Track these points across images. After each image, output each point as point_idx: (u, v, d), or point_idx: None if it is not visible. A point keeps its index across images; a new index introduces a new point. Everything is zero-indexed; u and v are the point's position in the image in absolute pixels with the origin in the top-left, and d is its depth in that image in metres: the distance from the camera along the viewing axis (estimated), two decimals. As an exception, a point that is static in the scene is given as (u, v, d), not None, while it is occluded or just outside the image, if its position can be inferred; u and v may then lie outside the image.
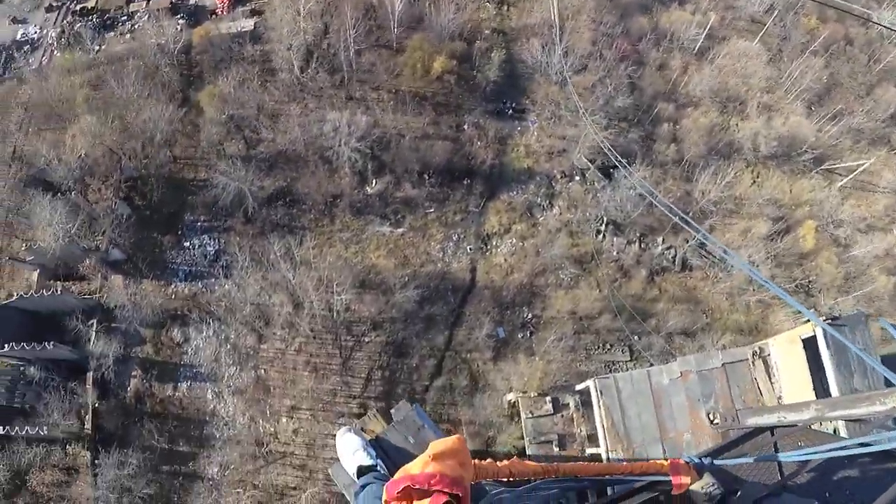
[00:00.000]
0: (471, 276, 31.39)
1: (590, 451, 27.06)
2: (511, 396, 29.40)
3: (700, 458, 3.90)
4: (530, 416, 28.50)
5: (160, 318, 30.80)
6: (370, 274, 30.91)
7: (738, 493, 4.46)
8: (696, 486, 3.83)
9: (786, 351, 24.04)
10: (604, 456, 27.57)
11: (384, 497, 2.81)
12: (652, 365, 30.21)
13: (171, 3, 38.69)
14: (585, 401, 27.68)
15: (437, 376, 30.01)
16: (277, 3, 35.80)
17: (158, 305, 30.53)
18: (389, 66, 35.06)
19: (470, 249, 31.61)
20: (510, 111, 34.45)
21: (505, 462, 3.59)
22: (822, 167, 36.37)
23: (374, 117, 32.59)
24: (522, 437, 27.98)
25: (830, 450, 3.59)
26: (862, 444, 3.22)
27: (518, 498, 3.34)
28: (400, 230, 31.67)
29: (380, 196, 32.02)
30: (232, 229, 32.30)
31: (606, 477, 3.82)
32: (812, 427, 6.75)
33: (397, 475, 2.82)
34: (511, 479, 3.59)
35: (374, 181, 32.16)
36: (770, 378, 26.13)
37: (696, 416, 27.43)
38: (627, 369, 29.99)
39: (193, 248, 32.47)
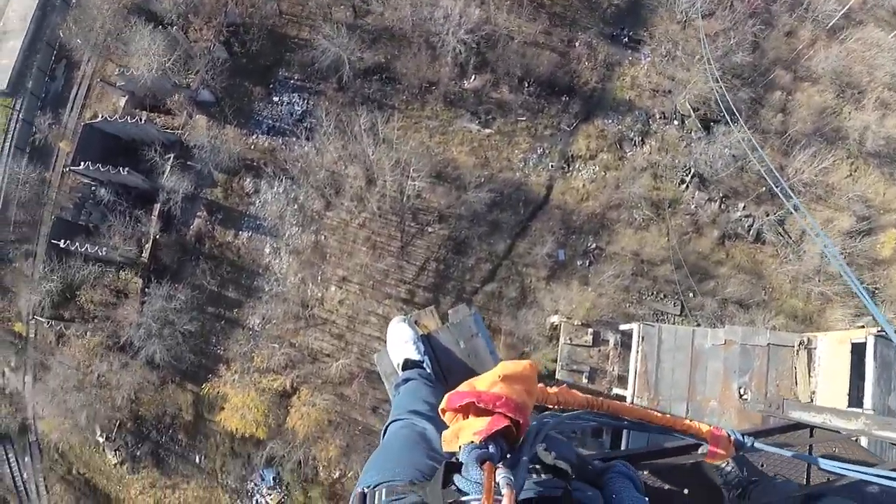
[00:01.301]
0: (546, 192, 31.09)
1: (616, 391, 27.23)
2: (555, 319, 29.52)
3: (743, 436, 3.68)
4: (569, 342, 28.63)
5: (235, 166, 31.31)
6: (448, 167, 30.81)
7: (757, 483, 4.31)
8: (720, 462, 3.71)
9: (833, 350, 23.63)
10: (629, 400, 27.74)
11: (443, 405, 2.73)
12: (699, 325, 30.03)
13: None
14: (626, 342, 27.68)
15: (490, 282, 30.18)
16: None
17: (236, 153, 30.94)
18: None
19: (552, 166, 31.20)
20: (625, 38, 33.32)
21: (554, 389, 3.54)
22: (923, 180, 34.81)
23: (487, 13, 31.81)
24: (556, 361, 28.24)
25: (880, 476, 3.38)
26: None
27: (560, 423, 3.21)
28: (487, 131, 31.35)
29: (475, 93, 31.58)
30: (323, 94, 32.29)
31: (647, 423, 3.66)
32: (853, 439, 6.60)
33: (462, 387, 2.71)
34: (557, 406, 3.53)
35: (473, 76, 31.67)
36: (810, 371, 25.78)
37: (727, 386, 27.32)
38: (675, 323, 29.81)
39: (281, 105, 32.64)
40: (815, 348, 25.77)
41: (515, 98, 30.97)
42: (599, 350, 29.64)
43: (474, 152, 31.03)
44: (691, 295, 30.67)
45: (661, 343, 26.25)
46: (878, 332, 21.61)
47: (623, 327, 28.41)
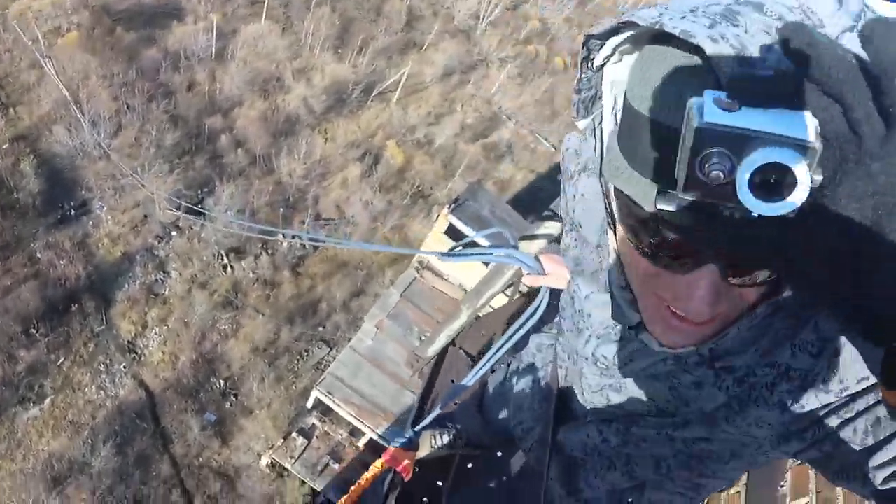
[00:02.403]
0: (144, 390, 28.90)
1: (361, 442, 27.62)
2: (265, 460, 28.47)
3: (406, 437, 3.52)
4: (293, 460, 28.09)
5: None
6: (53, 465, 27.22)
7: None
8: (424, 453, 3.52)
9: (438, 245, 26.12)
10: (370, 435, 28.46)
11: None
12: (350, 339, 31.54)
13: None
14: (325, 409, 27.94)
15: (192, 501, 28.02)
16: None
17: None
18: (-82, 243, 30.00)
19: (124, 368, 29.13)
20: (72, 212, 31.66)
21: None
22: (375, 94, 39.64)
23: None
24: (303, 483, 27.54)
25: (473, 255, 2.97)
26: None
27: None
28: (47, 401, 28.10)
29: (3, 382, 27.93)
30: None
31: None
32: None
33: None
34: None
35: (-22, 371, 28.03)
36: (443, 278, 28.76)
37: (411, 352, 29.50)
38: (334, 359, 30.86)
39: None
40: (428, 262, 28.23)
41: (38, 351, 27.67)
42: (317, 437, 28.98)
43: (58, 428, 27.18)
44: (322, 329, 31.73)
45: (342, 381, 27.00)
46: (451, 208, 24.41)
47: (310, 404, 27.84)
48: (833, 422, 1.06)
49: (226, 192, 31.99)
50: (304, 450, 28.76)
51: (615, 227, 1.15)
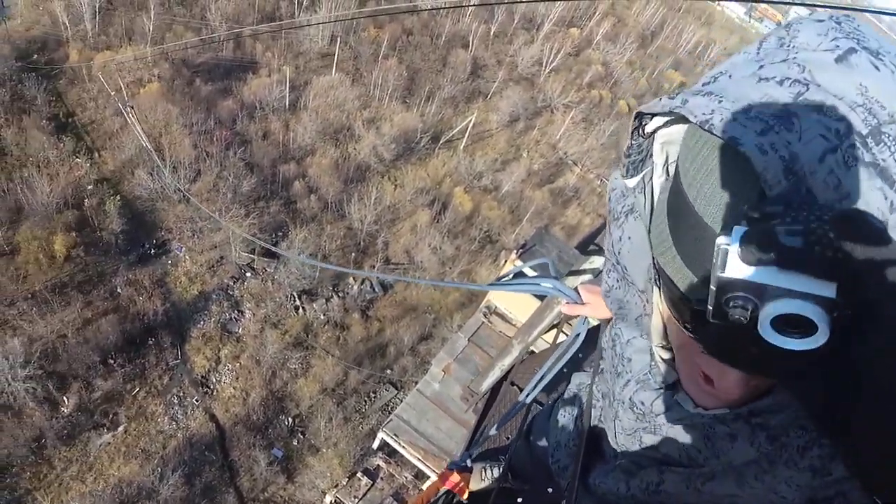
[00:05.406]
0: (214, 423, 29.35)
1: (426, 485, 27.11)
2: (329, 498, 28.26)
3: (461, 459, 3.66)
4: (356, 499, 27.80)
5: None
6: (122, 489, 27.57)
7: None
8: (476, 486, 3.55)
9: (504, 294, 26.07)
10: (434, 477, 27.86)
11: None
12: (417, 382, 31.34)
13: None
14: (391, 451, 27.69)
15: None
16: None
17: None
18: (11, 273, 30.93)
19: (196, 401, 29.69)
20: (152, 251, 32.95)
21: None
22: (442, 142, 40.45)
23: (25, 334, 29.05)
24: None
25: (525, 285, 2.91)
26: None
27: None
28: (121, 428, 28.75)
29: (79, 408, 28.74)
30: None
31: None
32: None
33: None
34: None
35: (65, 399, 28.80)
36: (510, 322, 28.53)
37: (466, 387, 29.06)
38: (401, 401, 30.65)
39: None
40: (496, 307, 28.16)
41: (115, 381, 28.52)
42: (381, 478, 28.42)
43: (130, 455, 27.74)
44: (390, 371, 31.69)
45: (409, 423, 26.53)
46: (518, 253, 24.44)
47: (375, 445, 27.54)
48: (858, 497, 1.03)
49: (299, 236, 32.75)
50: (368, 490, 28.18)
51: (660, 285, 1.14)
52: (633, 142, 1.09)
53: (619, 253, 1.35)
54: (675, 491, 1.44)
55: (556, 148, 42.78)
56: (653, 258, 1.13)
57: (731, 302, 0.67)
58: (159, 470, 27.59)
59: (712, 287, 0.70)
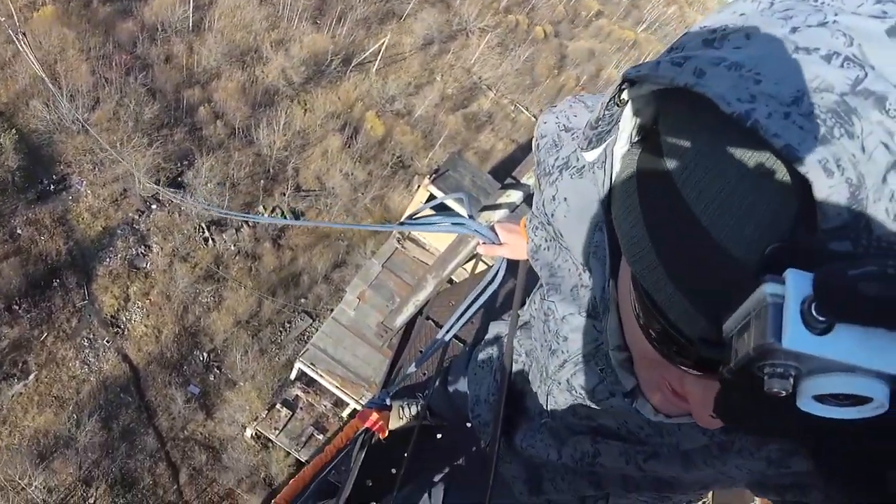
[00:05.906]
0: (127, 364, 28.89)
1: (345, 412, 27.55)
2: (249, 431, 28.57)
3: (379, 397, 3.49)
4: (277, 431, 27.88)
5: None
6: (39, 440, 27.31)
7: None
8: (395, 424, 3.45)
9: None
10: (354, 405, 28.43)
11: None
12: (332, 311, 31.63)
13: None
14: (309, 381, 27.91)
15: (177, 473, 28.28)
16: None
17: None
18: None
19: (107, 342, 29.22)
20: (52, 187, 31.50)
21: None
22: (354, 64, 39.42)
23: None
24: (288, 454, 27.43)
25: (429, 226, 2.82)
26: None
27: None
28: (32, 376, 28.17)
29: (-22, 366, 28.03)
30: None
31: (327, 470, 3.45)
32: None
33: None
34: None
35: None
36: (424, 247, 28.79)
37: (380, 324, 29.56)
38: (317, 330, 31.01)
39: None
40: (409, 233, 28.80)
41: (21, 327, 27.59)
42: (301, 408, 27.61)
43: (43, 403, 26.98)
44: (304, 300, 31.82)
45: (325, 351, 27.00)
46: (431, 179, 24.63)
47: (293, 375, 27.09)
48: (817, 496, 0.94)
49: (205, 164, 31.98)
50: (289, 421, 28.26)
51: (618, 279, 0.96)
52: (607, 112, 0.77)
53: (552, 215, 1.17)
54: (613, 465, 1.32)
55: (470, 72, 42.39)
56: (608, 242, 0.97)
57: (766, 368, 0.47)
58: (75, 416, 27.16)
59: (748, 351, 0.48)
